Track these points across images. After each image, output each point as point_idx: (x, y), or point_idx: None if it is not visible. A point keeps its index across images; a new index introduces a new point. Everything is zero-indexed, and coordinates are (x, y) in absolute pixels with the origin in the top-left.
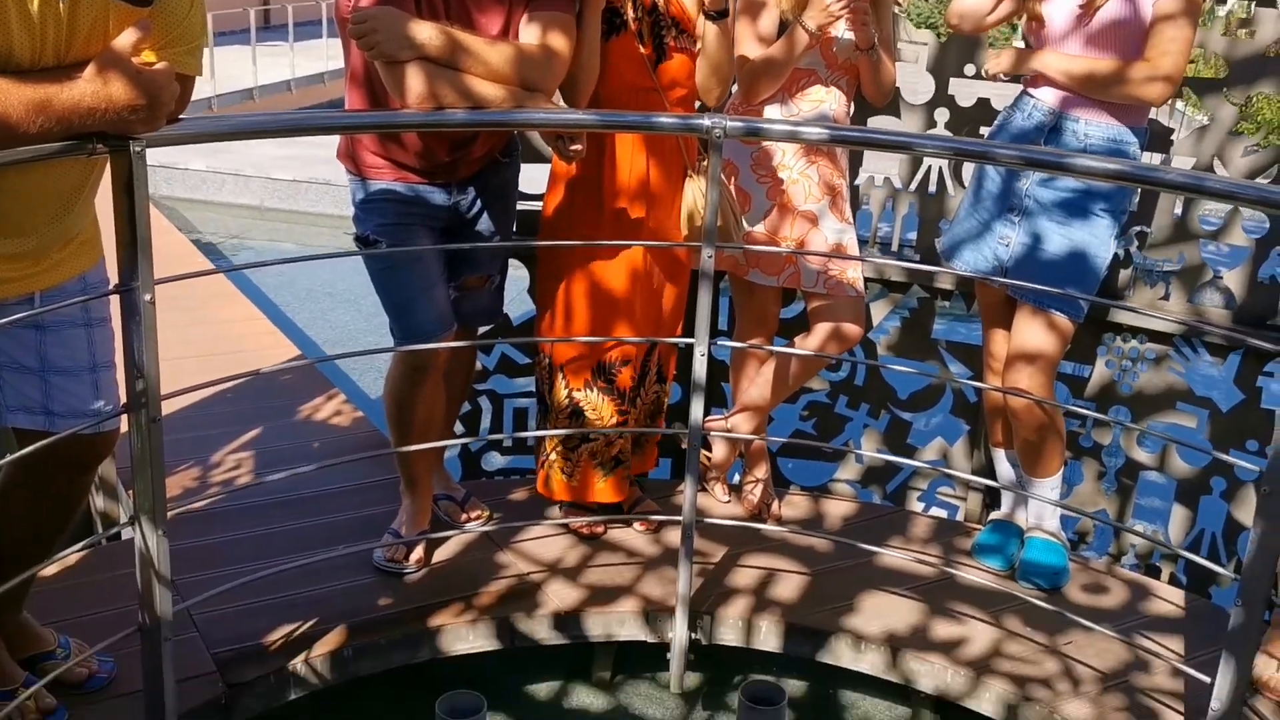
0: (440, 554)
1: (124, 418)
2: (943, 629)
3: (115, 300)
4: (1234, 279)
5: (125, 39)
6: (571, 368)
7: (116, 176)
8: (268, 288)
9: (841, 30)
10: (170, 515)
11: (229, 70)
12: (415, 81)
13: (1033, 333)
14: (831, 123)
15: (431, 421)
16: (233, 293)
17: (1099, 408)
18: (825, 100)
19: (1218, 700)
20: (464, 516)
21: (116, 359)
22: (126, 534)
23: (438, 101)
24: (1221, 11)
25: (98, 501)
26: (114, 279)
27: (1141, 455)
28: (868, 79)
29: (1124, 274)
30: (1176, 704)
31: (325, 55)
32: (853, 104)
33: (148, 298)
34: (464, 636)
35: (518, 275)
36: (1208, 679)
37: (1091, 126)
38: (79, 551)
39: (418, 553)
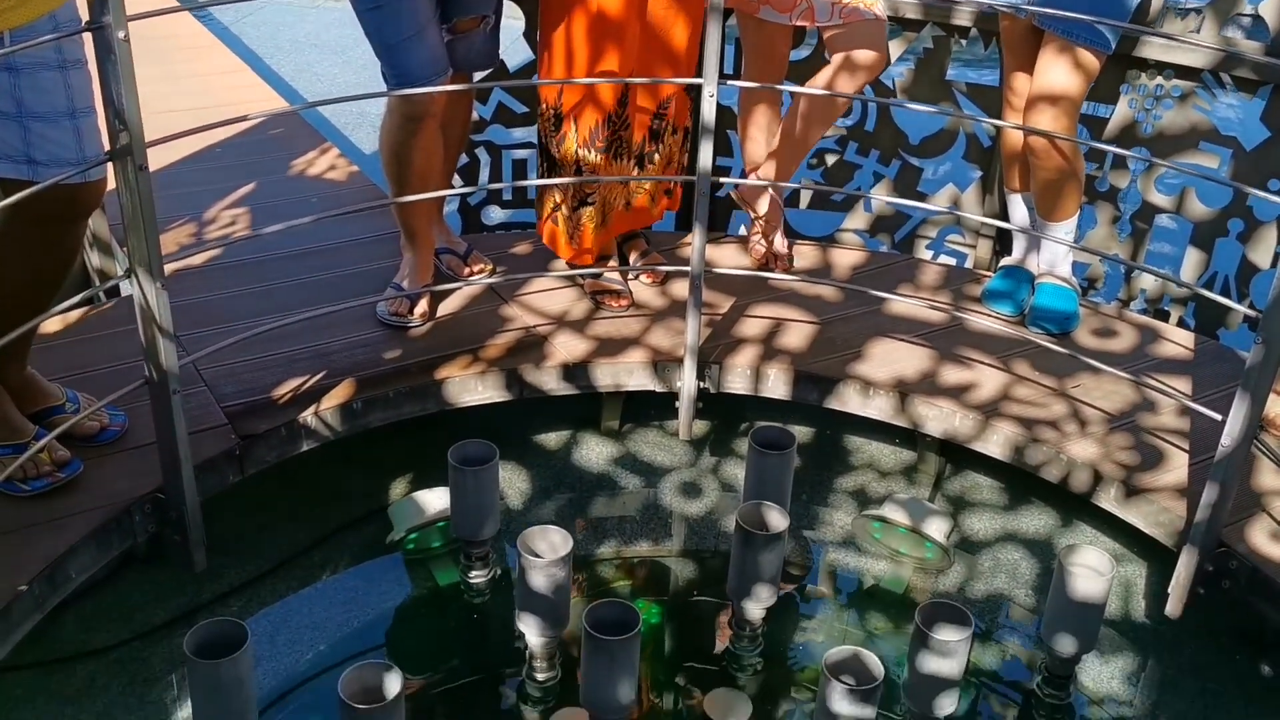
0: (444, 308)
1: (111, 171)
2: (951, 374)
3: (89, 44)
4: (1269, 9)
5: None
6: (579, 117)
7: None
8: (250, 39)
9: None
10: (169, 271)
11: None
12: None
13: (1058, 69)
14: None
15: (430, 172)
16: (214, 44)
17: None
18: None
19: (1229, 437)
20: (466, 270)
21: (97, 105)
22: (126, 291)
23: None
24: None
25: (93, 259)
26: (85, 16)
27: (1158, 198)
28: None
29: (1154, 7)
30: (1182, 442)
31: None
32: None
33: (121, 35)
34: (472, 388)
35: (513, 21)
36: (1219, 416)
37: None
38: (78, 306)
39: (421, 306)
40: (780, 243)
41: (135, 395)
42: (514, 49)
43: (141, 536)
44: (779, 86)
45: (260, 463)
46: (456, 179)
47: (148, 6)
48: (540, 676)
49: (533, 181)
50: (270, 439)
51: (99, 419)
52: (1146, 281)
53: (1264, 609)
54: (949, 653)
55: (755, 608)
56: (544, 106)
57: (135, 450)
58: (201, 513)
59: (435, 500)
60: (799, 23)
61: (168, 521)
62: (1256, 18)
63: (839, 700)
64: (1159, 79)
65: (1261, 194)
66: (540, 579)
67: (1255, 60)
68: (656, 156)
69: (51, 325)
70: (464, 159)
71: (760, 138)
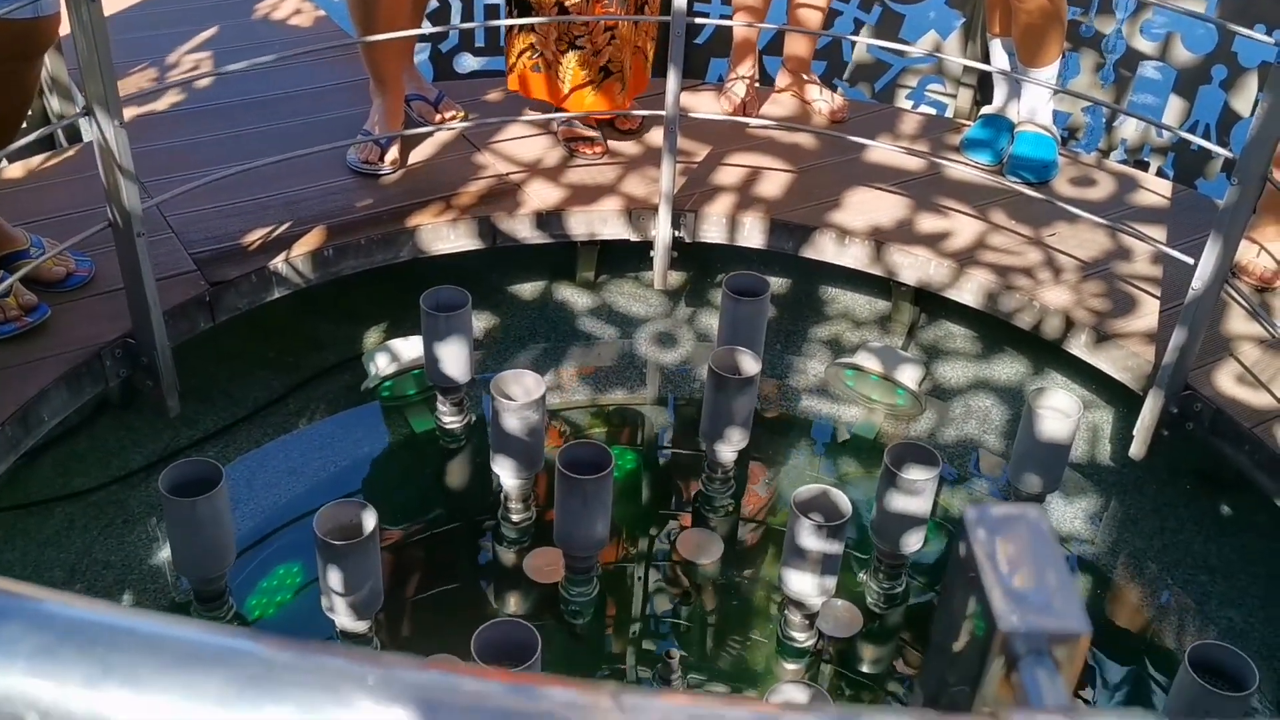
0: (416, 155)
1: (65, 11)
2: (927, 223)
3: None
4: None
5: None
6: None
7: None
8: None
9: None
10: (130, 116)
11: None
12: None
13: None
14: None
15: (397, 13)
16: None
17: None
18: None
19: (1199, 280)
20: (438, 118)
21: None
22: (88, 137)
23: None
24: None
25: (54, 104)
26: None
27: (1143, 44)
28: None
29: None
30: (1154, 289)
31: None
32: None
33: None
34: (445, 236)
35: None
36: (1191, 260)
37: None
38: (37, 143)
39: (392, 153)
40: (831, 96)
41: (103, 242)
42: None
43: (113, 381)
44: None
45: (231, 310)
46: (427, 25)
47: None
48: (515, 518)
49: (505, 22)
50: (241, 286)
51: (65, 264)
52: (1127, 131)
53: (1225, 450)
54: (916, 491)
55: (727, 450)
56: None
57: (104, 295)
58: (174, 359)
59: (409, 348)
60: None
61: (139, 366)
62: None
63: (807, 536)
64: None
65: (1249, 34)
66: (514, 421)
67: None
68: (647, 8)
69: (14, 172)
70: (434, 3)
71: None
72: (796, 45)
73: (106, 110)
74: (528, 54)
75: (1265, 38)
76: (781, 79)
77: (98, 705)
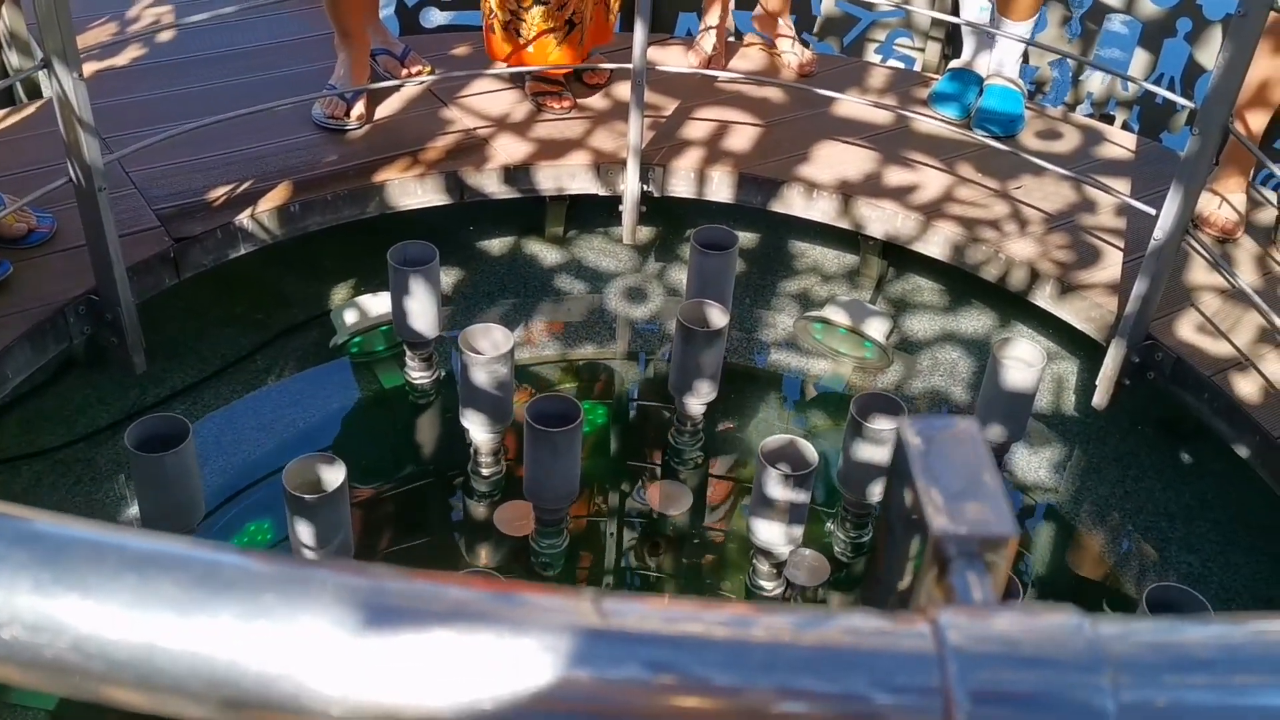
0: (382, 110)
1: None
2: (895, 176)
3: None
4: None
5: None
6: None
7: None
8: None
9: None
10: (90, 71)
11: None
12: None
13: None
14: None
15: None
16: None
17: None
18: None
19: (1161, 230)
20: (404, 72)
21: None
22: (48, 93)
23: None
24: None
25: (12, 59)
26: None
27: None
28: None
29: None
30: (1118, 240)
31: None
32: None
33: None
34: (412, 191)
35: None
36: (1153, 211)
37: None
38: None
39: (358, 108)
40: (804, 53)
41: (65, 198)
42: None
43: (77, 338)
44: None
45: (196, 266)
46: None
47: None
48: (485, 471)
49: None
50: (205, 242)
51: (26, 220)
52: (1093, 85)
53: (1186, 399)
54: (882, 441)
55: (696, 403)
56: None
57: (66, 252)
58: (139, 316)
59: (377, 304)
60: None
61: (103, 324)
62: None
63: (774, 486)
64: None
65: None
66: (482, 375)
67: None
68: None
69: None
70: None
71: None
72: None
73: (65, 63)
74: (502, 13)
75: None
76: (756, 25)
77: (47, 609)
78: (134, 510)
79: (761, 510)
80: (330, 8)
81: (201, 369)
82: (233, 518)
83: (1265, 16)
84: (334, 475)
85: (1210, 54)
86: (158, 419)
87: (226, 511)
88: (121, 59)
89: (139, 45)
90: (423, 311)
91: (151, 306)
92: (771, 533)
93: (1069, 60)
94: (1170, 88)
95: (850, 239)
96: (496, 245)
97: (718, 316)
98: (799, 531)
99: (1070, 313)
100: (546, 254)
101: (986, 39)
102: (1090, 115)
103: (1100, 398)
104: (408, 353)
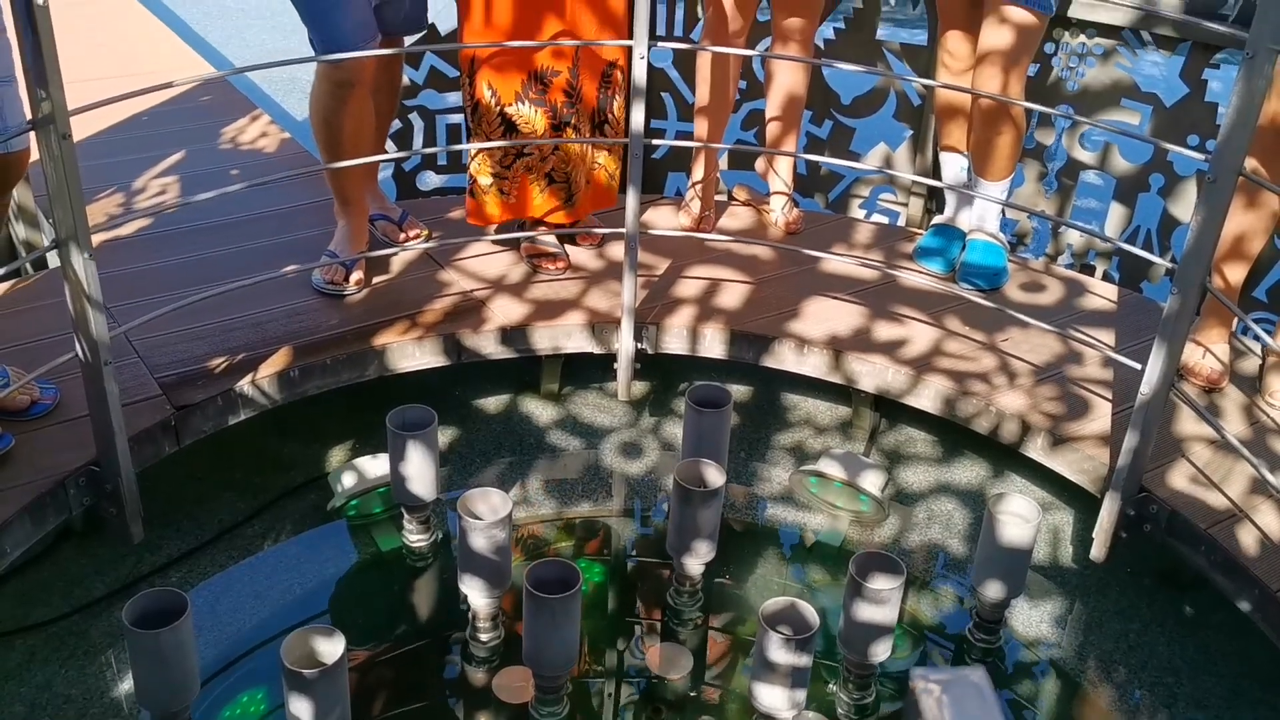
0: (380, 274)
1: (35, 142)
2: (884, 331)
3: (7, 11)
4: None
5: None
6: (498, 74)
7: None
8: (176, 4)
9: None
10: (97, 242)
11: None
12: None
13: (1004, 29)
14: None
15: (361, 137)
16: (140, 11)
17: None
18: None
19: (1147, 384)
20: (402, 237)
21: (18, 75)
22: (54, 263)
23: None
24: None
25: (19, 231)
26: None
27: (1083, 154)
28: None
29: None
30: (1106, 392)
31: None
32: None
33: (40, 1)
34: (410, 354)
35: None
36: (1139, 366)
37: None
38: (4, 278)
39: (357, 274)
40: (791, 210)
41: (67, 367)
42: (446, 11)
43: (77, 510)
44: (714, 49)
45: (196, 433)
46: (390, 145)
47: None
48: (484, 637)
49: (464, 146)
50: (206, 409)
51: (29, 393)
52: (1073, 236)
53: (1183, 551)
54: (882, 601)
55: (695, 563)
56: (465, 65)
57: (68, 423)
58: (138, 484)
59: (375, 466)
60: None
61: (103, 494)
62: None
63: (776, 650)
64: (1082, 37)
65: (1177, 149)
66: (481, 540)
67: (1173, 18)
68: (606, 127)
69: None
70: (397, 124)
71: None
72: (772, 160)
73: (76, 242)
74: (486, 180)
75: (1195, 154)
76: (739, 193)
77: None
78: (127, 685)
79: (763, 674)
80: (330, 176)
81: (199, 535)
82: (227, 688)
83: (1234, 182)
84: (332, 648)
85: (1183, 207)
86: (156, 593)
87: (222, 681)
88: (127, 228)
89: (145, 213)
90: (421, 475)
91: (149, 472)
92: (774, 697)
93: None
94: (1147, 239)
95: (842, 391)
96: (493, 403)
97: (714, 475)
98: (802, 695)
99: (1063, 465)
100: (542, 411)
101: (968, 194)
102: (1071, 266)
103: (1098, 550)
104: (405, 515)
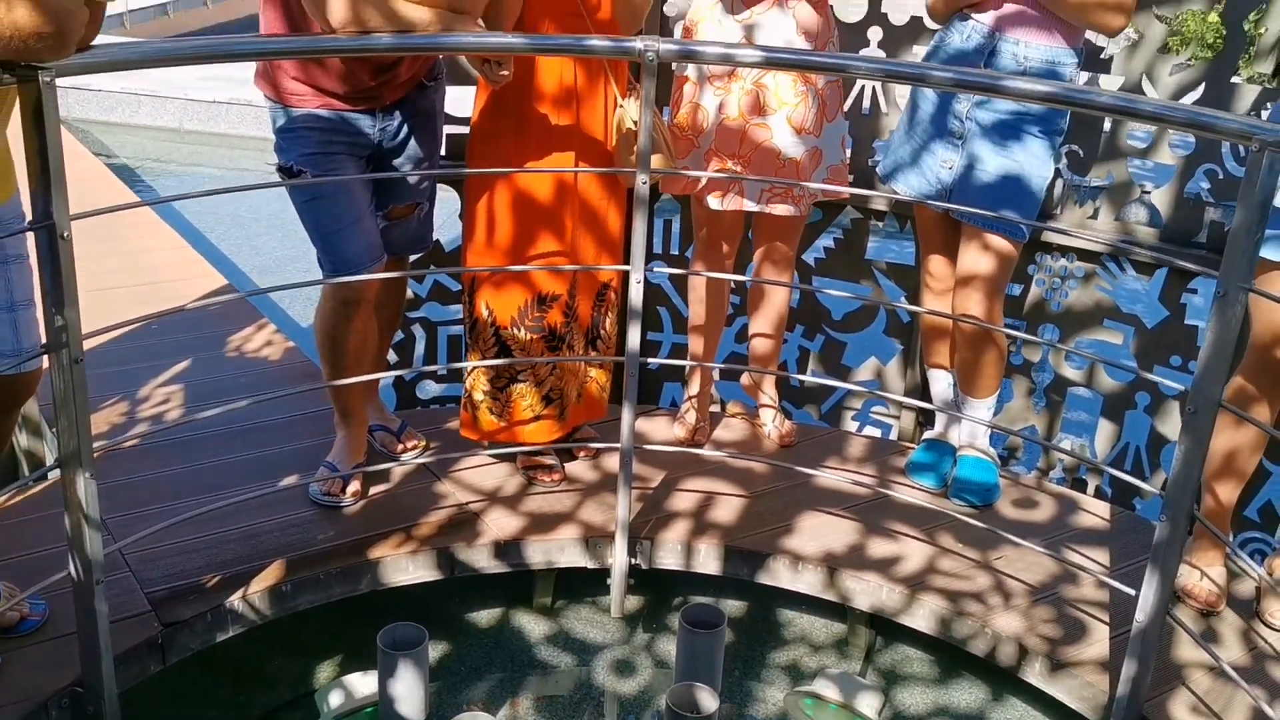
0: (377, 486)
1: (45, 357)
2: (878, 547)
3: (31, 235)
4: (1160, 196)
5: None
6: (498, 293)
7: (25, 107)
8: (190, 214)
9: None
10: (97, 454)
11: None
12: (338, 4)
13: (981, 256)
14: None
15: (364, 353)
16: (154, 220)
17: (1030, 324)
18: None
19: (1142, 612)
20: (400, 447)
21: (36, 296)
22: (54, 474)
23: (362, 25)
24: None
25: (22, 440)
26: (29, 214)
27: (1070, 372)
28: None
29: (1056, 192)
30: (1103, 614)
31: None
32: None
33: (64, 234)
34: (404, 568)
35: (448, 197)
36: (1133, 591)
37: (1030, 49)
38: (5, 496)
39: (354, 485)
40: (784, 423)
41: (58, 582)
42: (450, 224)
43: None
44: (706, 273)
45: (183, 650)
46: (392, 354)
47: (85, 184)
48: None
49: (463, 364)
50: (195, 625)
51: (19, 609)
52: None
53: None
54: None
55: None
56: (466, 284)
57: (55, 641)
58: (120, 704)
59: (363, 684)
60: (729, 208)
61: (85, 716)
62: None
63: None
64: (1063, 261)
65: (1155, 378)
66: None
67: (1146, 246)
68: (599, 342)
69: None
70: (399, 335)
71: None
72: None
73: (79, 462)
74: (479, 395)
75: (1172, 383)
76: (744, 381)
77: None
78: None
79: None
80: (332, 390)
81: None
82: None
83: (1214, 413)
84: None
85: (1171, 425)
86: None
87: None
88: (126, 441)
89: (145, 424)
90: (410, 696)
91: (132, 692)
92: None
93: (1038, 429)
94: (1136, 456)
95: (838, 608)
96: (485, 617)
97: (708, 700)
98: None
99: (1062, 691)
100: (534, 626)
101: (958, 409)
102: (1063, 480)
103: None
104: None
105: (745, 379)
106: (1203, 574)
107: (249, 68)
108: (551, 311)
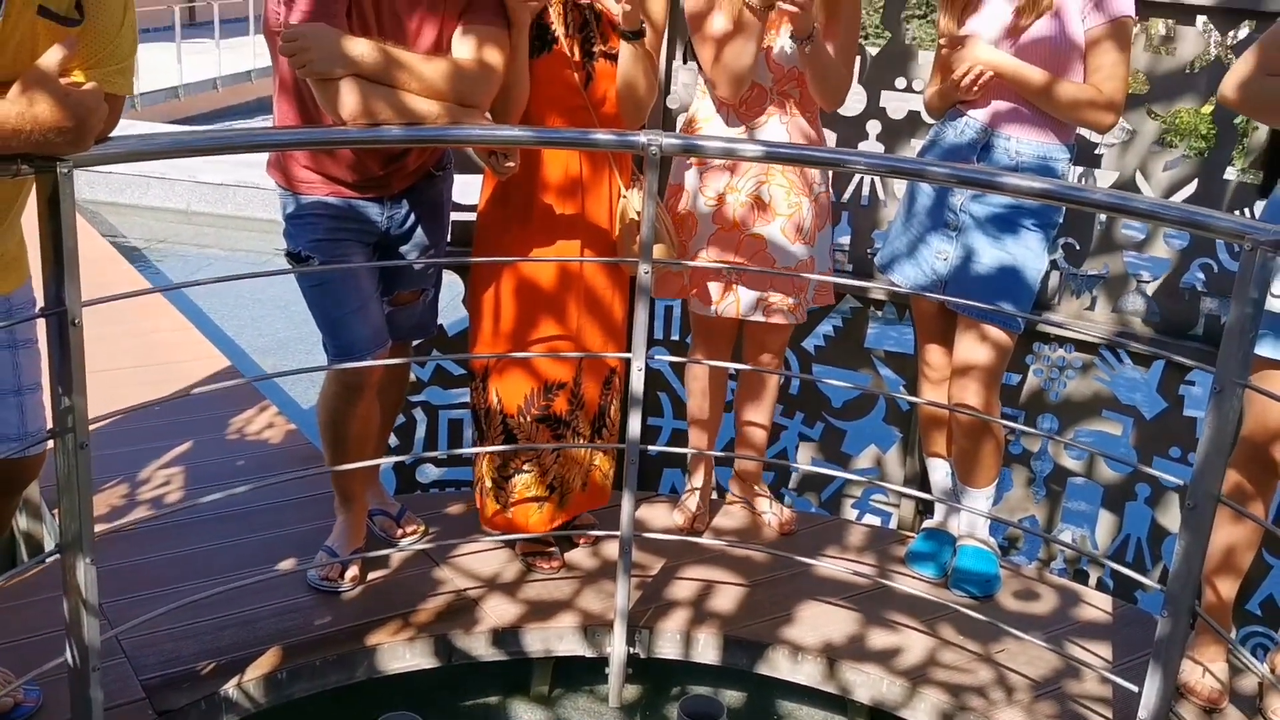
0: (376, 571)
1: (50, 441)
2: (878, 638)
3: (41, 321)
4: (1156, 288)
5: (52, 57)
6: (505, 382)
7: (42, 196)
8: (195, 294)
9: (781, 40)
10: (97, 537)
11: (154, 68)
12: (350, 98)
13: (977, 347)
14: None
15: (365, 438)
16: (159, 301)
17: (1028, 415)
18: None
19: (1145, 709)
20: (399, 532)
21: (43, 380)
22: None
23: (373, 118)
24: (1140, 30)
25: (21, 522)
26: (40, 300)
27: (1069, 462)
28: (810, 76)
29: (1051, 283)
30: (1105, 710)
31: (252, 52)
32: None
33: (76, 320)
34: (401, 655)
35: (451, 280)
36: (1135, 688)
37: (1023, 144)
38: (4, 581)
39: (353, 571)
40: (783, 511)
41: (54, 668)
42: (452, 307)
43: None
44: (706, 362)
45: None
46: (393, 438)
47: (94, 265)
48: None
49: (465, 450)
50: (189, 714)
51: (14, 695)
52: (1065, 540)
53: None
54: None
55: None
56: (474, 372)
57: None
58: None
59: None
60: (726, 315)
61: None
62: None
63: None
64: (1061, 351)
65: (1153, 471)
66: None
67: (1143, 339)
68: (605, 430)
69: None
70: (401, 418)
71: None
72: (746, 461)
73: (79, 548)
74: (488, 482)
75: (1172, 477)
76: (734, 487)
77: None
78: None
79: None
80: (333, 474)
81: None
82: None
83: (1214, 508)
84: None
85: (1172, 517)
86: None
87: None
88: (127, 520)
89: (145, 506)
90: None
91: None
92: None
93: (1039, 519)
94: (1138, 548)
95: (838, 700)
96: (481, 705)
97: None
98: None
99: None
100: (532, 715)
101: (957, 499)
102: (1064, 572)
103: None
104: None
105: (734, 480)
106: (1205, 670)
107: None
108: (557, 399)
